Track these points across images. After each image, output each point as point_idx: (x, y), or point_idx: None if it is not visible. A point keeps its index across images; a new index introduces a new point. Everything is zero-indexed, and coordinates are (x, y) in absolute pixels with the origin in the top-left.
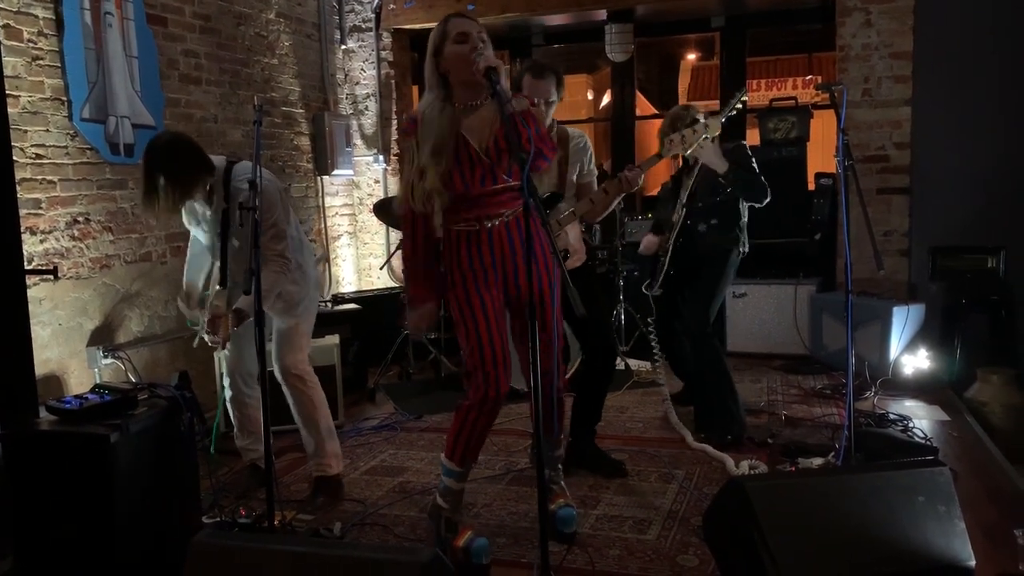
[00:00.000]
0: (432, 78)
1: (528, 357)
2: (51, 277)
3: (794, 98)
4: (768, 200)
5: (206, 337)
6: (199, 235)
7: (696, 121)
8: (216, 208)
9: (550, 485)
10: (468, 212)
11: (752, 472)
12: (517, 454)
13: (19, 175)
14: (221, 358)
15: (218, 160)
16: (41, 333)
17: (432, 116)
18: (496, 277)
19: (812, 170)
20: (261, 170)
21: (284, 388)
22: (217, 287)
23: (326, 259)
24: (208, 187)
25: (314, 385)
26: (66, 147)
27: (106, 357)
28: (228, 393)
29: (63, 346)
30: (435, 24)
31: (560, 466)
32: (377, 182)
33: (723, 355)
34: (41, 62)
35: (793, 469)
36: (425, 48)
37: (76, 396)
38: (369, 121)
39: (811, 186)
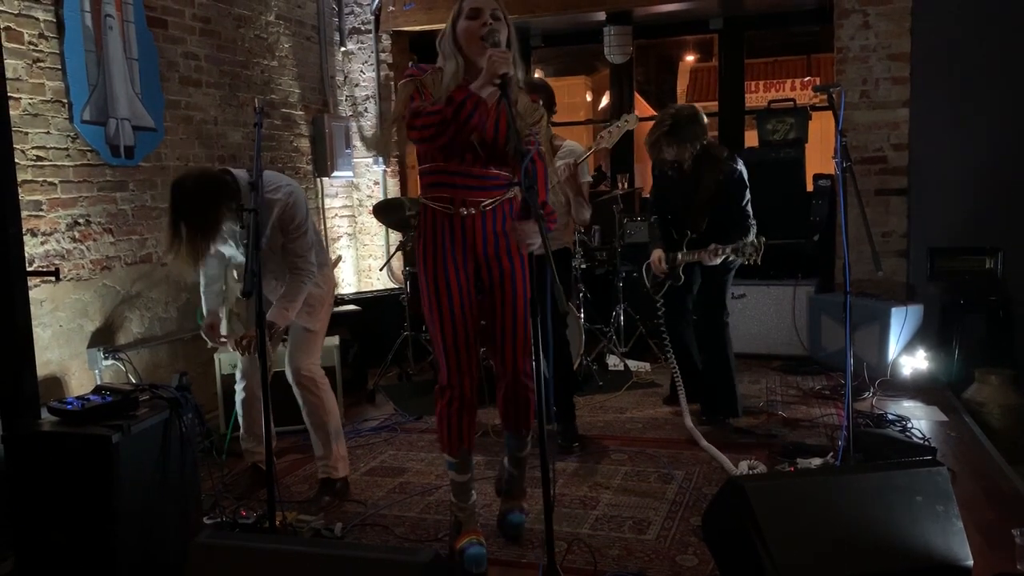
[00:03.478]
0: (449, 49)
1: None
2: (52, 279)
3: (792, 100)
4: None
5: (215, 344)
6: (224, 249)
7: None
8: (245, 219)
9: (510, 487)
10: (444, 191)
11: (751, 472)
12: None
13: (20, 177)
14: (222, 359)
15: (240, 173)
16: (42, 335)
17: (446, 82)
18: (467, 265)
19: (810, 171)
20: (269, 176)
21: (295, 390)
22: (239, 296)
23: (339, 261)
24: (234, 207)
25: (325, 388)
26: (67, 149)
27: (107, 358)
28: (240, 396)
29: (64, 348)
30: (434, 26)
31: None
32: (377, 184)
33: (731, 344)
34: (42, 64)
35: (792, 469)
36: (423, 50)
37: (78, 397)
38: (369, 123)
39: (809, 187)
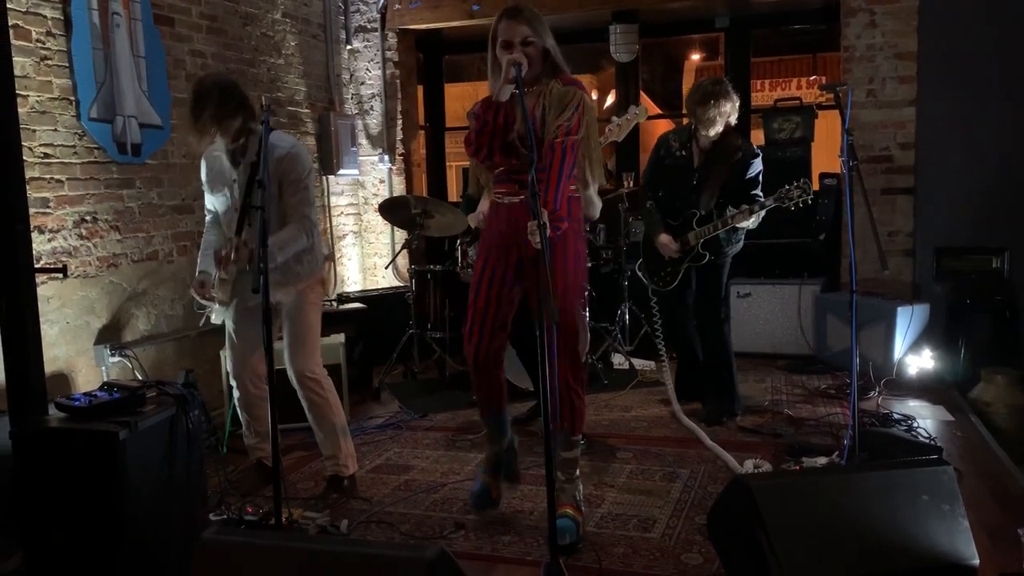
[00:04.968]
0: (491, 73)
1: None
2: (59, 276)
3: (799, 98)
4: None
5: (203, 301)
6: (218, 203)
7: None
8: (247, 162)
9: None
10: (501, 187)
11: (756, 471)
12: (522, 452)
13: (27, 174)
14: (227, 357)
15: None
16: (49, 331)
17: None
18: (510, 253)
19: (817, 170)
20: (276, 135)
21: (299, 392)
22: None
23: (331, 258)
24: (244, 140)
25: (329, 388)
26: (74, 146)
27: (113, 355)
28: (236, 395)
29: (71, 344)
30: (440, 24)
31: (576, 473)
32: (382, 182)
33: (731, 340)
34: (49, 62)
35: (797, 468)
36: (429, 48)
37: (85, 394)
38: (374, 121)
39: (816, 186)
